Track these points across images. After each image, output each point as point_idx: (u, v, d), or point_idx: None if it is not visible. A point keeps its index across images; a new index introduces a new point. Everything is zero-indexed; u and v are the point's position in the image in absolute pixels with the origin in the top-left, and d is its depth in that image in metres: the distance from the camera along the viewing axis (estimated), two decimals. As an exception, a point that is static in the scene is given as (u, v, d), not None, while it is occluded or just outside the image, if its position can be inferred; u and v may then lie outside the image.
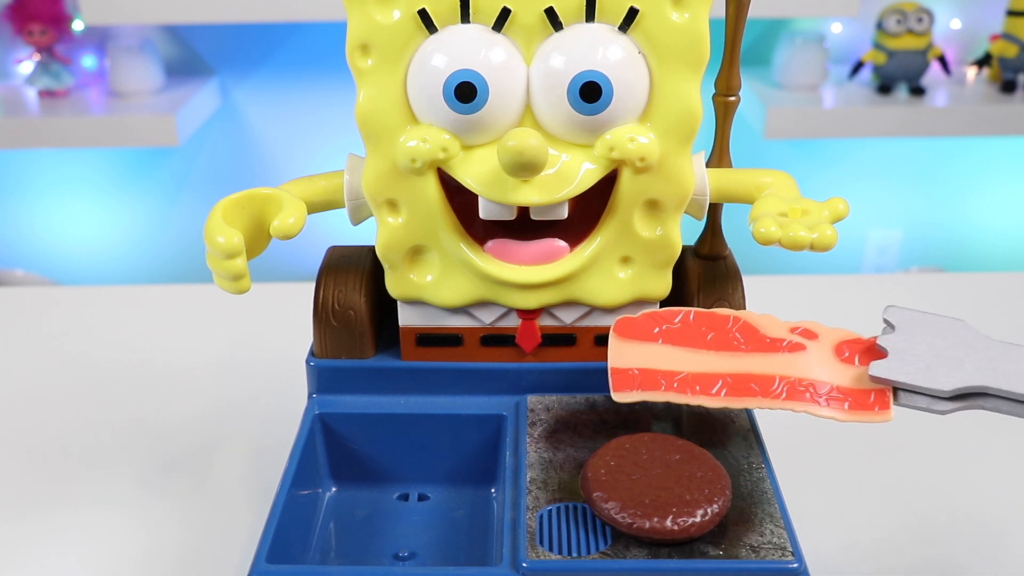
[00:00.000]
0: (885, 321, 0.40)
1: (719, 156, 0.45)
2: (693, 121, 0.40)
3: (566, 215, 0.41)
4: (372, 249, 0.45)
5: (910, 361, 0.38)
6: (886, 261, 1.58)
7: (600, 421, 0.43)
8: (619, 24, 0.39)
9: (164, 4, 1.19)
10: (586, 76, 0.38)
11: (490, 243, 0.42)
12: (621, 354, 0.40)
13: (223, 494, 0.51)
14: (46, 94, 1.34)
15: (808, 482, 0.51)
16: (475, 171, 0.40)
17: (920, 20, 1.30)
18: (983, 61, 1.38)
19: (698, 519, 0.36)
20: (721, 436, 0.42)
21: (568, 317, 0.44)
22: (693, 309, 0.41)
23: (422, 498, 0.46)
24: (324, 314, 0.44)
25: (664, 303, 0.45)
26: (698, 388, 0.38)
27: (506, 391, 0.45)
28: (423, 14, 0.39)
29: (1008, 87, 1.34)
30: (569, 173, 0.40)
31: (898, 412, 0.58)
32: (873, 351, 0.39)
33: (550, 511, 0.38)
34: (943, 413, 0.37)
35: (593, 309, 0.44)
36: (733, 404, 0.38)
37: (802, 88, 1.35)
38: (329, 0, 1.17)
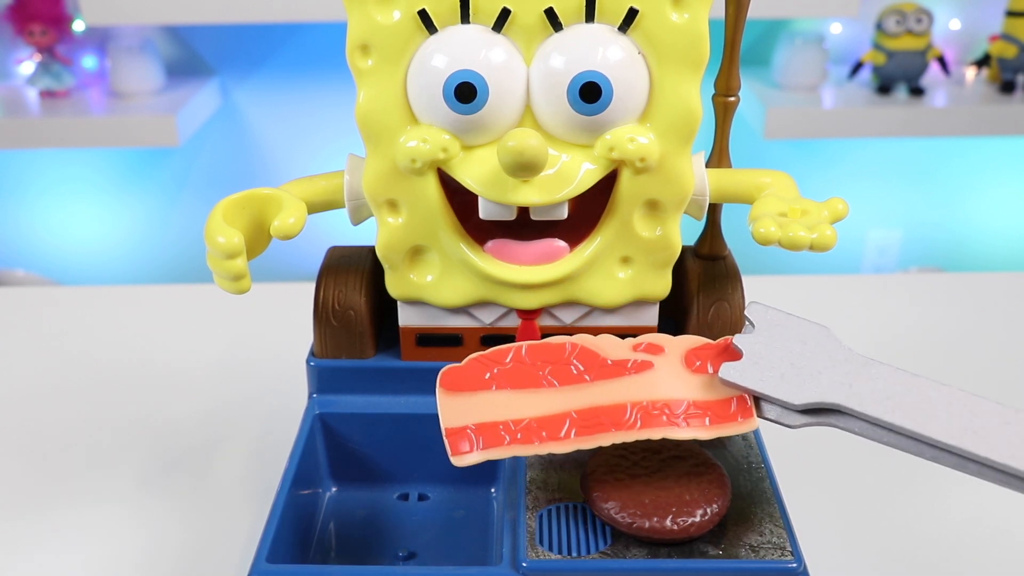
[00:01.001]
0: (747, 318, 0.38)
1: (719, 156, 0.45)
2: (693, 121, 0.40)
3: (566, 215, 0.41)
4: (372, 249, 0.45)
5: (764, 367, 0.35)
6: (886, 261, 1.58)
7: (600, 421, 0.43)
8: (619, 24, 0.39)
9: (164, 4, 1.19)
10: (586, 76, 0.38)
11: (490, 243, 0.42)
12: (452, 411, 0.36)
13: (223, 494, 0.51)
14: (47, 94, 1.34)
15: (808, 482, 0.51)
16: (475, 171, 0.40)
17: (919, 21, 1.30)
18: (982, 61, 1.38)
19: (698, 519, 0.36)
20: (721, 436, 0.42)
21: (568, 317, 0.44)
22: (524, 343, 0.38)
23: (422, 498, 0.46)
24: (324, 314, 0.45)
25: (664, 303, 0.45)
26: (544, 434, 0.36)
27: (506, 391, 0.45)
28: (423, 14, 0.39)
29: (1007, 87, 1.34)
30: (569, 173, 0.40)
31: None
32: (725, 354, 0.37)
33: (550, 511, 0.38)
34: (793, 427, 0.35)
35: (593, 309, 0.44)
36: (585, 444, 0.35)
37: (802, 88, 1.35)
38: (329, 0, 1.17)
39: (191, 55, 1.43)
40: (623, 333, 0.45)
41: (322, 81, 1.44)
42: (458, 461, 0.36)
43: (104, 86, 1.39)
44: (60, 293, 0.76)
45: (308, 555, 0.42)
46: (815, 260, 1.50)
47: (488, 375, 0.37)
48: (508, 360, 0.38)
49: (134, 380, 0.62)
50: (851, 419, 0.35)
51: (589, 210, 0.42)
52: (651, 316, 0.44)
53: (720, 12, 0.42)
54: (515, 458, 0.42)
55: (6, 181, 1.50)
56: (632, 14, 0.38)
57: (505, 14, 0.38)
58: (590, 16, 0.39)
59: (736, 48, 0.43)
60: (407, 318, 0.45)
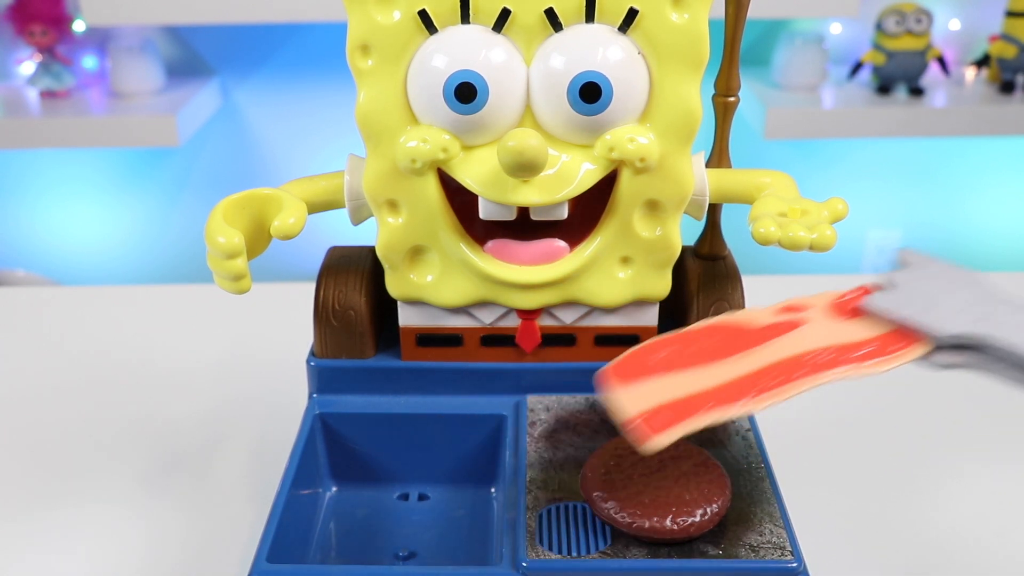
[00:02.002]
0: (899, 260, 0.38)
1: (719, 156, 0.45)
2: (693, 121, 0.40)
3: (566, 215, 0.41)
4: (372, 249, 0.45)
5: (911, 298, 0.35)
6: (885, 261, 1.58)
7: (600, 421, 0.43)
8: (619, 25, 0.39)
9: (165, 5, 1.19)
10: (586, 76, 0.38)
11: (490, 243, 0.42)
12: (633, 399, 0.35)
13: (223, 494, 0.51)
14: (47, 94, 1.34)
15: (808, 482, 0.51)
16: (475, 171, 0.40)
17: (919, 21, 1.30)
18: (982, 62, 1.38)
19: (697, 519, 0.36)
20: (721, 436, 0.42)
21: (568, 317, 0.44)
22: (669, 335, 0.38)
23: (422, 498, 0.46)
24: (324, 314, 0.45)
25: (664, 303, 0.45)
26: (735, 397, 0.34)
27: (506, 391, 0.45)
28: (423, 15, 0.39)
29: (1007, 87, 1.34)
30: (569, 173, 0.40)
31: (899, 413, 0.58)
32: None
33: (550, 511, 0.38)
34: (940, 367, 0.34)
35: (593, 309, 0.44)
36: (778, 398, 0.34)
37: (802, 88, 1.35)
38: (329, 0, 1.17)
39: (191, 55, 1.43)
40: (623, 333, 0.45)
41: (322, 81, 1.44)
42: (658, 442, 0.33)
43: (104, 86, 1.39)
44: (60, 293, 0.76)
45: (308, 555, 0.42)
46: (815, 260, 1.50)
47: (650, 364, 0.36)
48: (663, 352, 0.37)
49: (134, 380, 0.62)
50: (995, 360, 0.34)
51: (589, 210, 0.42)
52: (651, 316, 0.45)
53: (720, 12, 0.42)
54: (515, 458, 0.42)
55: (6, 181, 1.50)
56: (632, 14, 0.38)
57: (505, 14, 0.38)
58: (590, 16, 0.39)
59: (736, 48, 0.43)
60: (407, 318, 0.45)
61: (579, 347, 0.45)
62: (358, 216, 0.43)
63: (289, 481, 0.41)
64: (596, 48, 0.38)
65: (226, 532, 0.48)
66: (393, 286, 0.44)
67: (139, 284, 1.24)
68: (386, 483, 0.47)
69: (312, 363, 0.45)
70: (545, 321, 0.44)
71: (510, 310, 0.44)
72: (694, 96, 0.40)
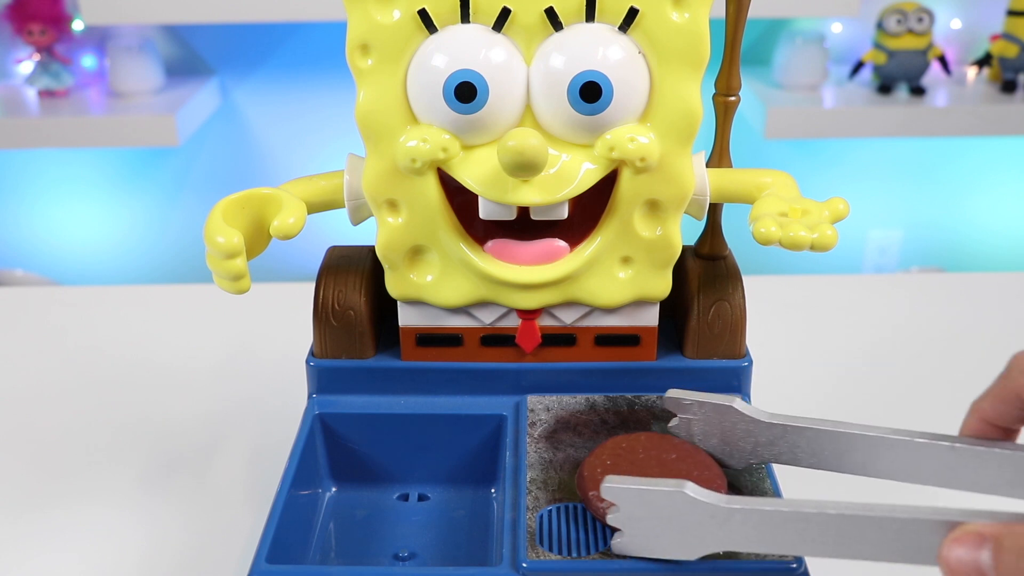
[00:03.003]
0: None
1: (719, 156, 0.45)
2: (693, 121, 0.40)
3: (566, 215, 0.41)
4: (372, 249, 0.45)
5: (643, 538, 0.35)
6: (886, 261, 1.58)
7: (600, 421, 0.43)
8: (619, 24, 0.39)
9: (164, 4, 1.19)
10: (586, 76, 0.38)
11: (490, 243, 0.42)
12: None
13: (223, 494, 0.51)
14: (46, 94, 1.34)
15: (808, 482, 0.51)
16: (475, 171, 0.40)
17: (920, 20, 1.30)
18: (983, 61, 1.38)
19: None
20: (721, 436, 0.42)
21: (568, 317, 0.44)
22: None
23: (422, 498, 0.46)
24: (324, 314, 0.44)
25: (664, 303, 0.45)
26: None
27: (506, 391, 0.45)
28: (423, 14, 0.39)
29: (1008, 87, 1.34)
30: (569, 173, 0.40)
31: (899, 413, 0.57)
32: None
33: (550, 511, 0.38)
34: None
35: (593, 309, 0.44)
36: None
37: (802, 88, 1.35)
38: (329, 0, 1.17)
39: (190, 55, 1.43)
40: (623, 333, 0.45)
41: (322, 81, 1.44)
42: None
43: (103, 86, 1.39)
44: (60, 293, 0.76)
45: (308, 555, 0.42)
46: (815, 260, 1.50)
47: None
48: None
49: (134, 380, 0.62)
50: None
51: (589, 210, 0.42)
52: (651, 316, 0.44)
53: (720, 11, 0.42)
54: (515, 458, 0.42)
55: (5, 181, 1.49)
56: (632, 14, 0.38)
57: (505, 14, 0.38)
58: (590, 16, 0.39)
59: (736, 48, 0.43)
60: (407, 318, 0.45)
61: (579, 347, 0.45)
62: (358, 216, 0.43)
63: (289, 481, 0.41)
64: (596, 47, 0.38)
65: (226, 532, 0.48)
66: (393, 286, 0.44)
67: (139, 284, 1.24)
68: (386, 483, 0.46)
69: (312, 363, 0.45)
70: (545, 321, 0.44)
71: (510, 310, 0.44)
72: (694, 96, 0.40)
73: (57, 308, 0.72)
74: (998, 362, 0.63)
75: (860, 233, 1.56)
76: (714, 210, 0.46)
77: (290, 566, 0.38)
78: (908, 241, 1.57)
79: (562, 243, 0.42)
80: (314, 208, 0.42)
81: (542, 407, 0.44)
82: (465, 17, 0.39)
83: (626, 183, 0.41)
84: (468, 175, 0.40)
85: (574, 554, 0.36)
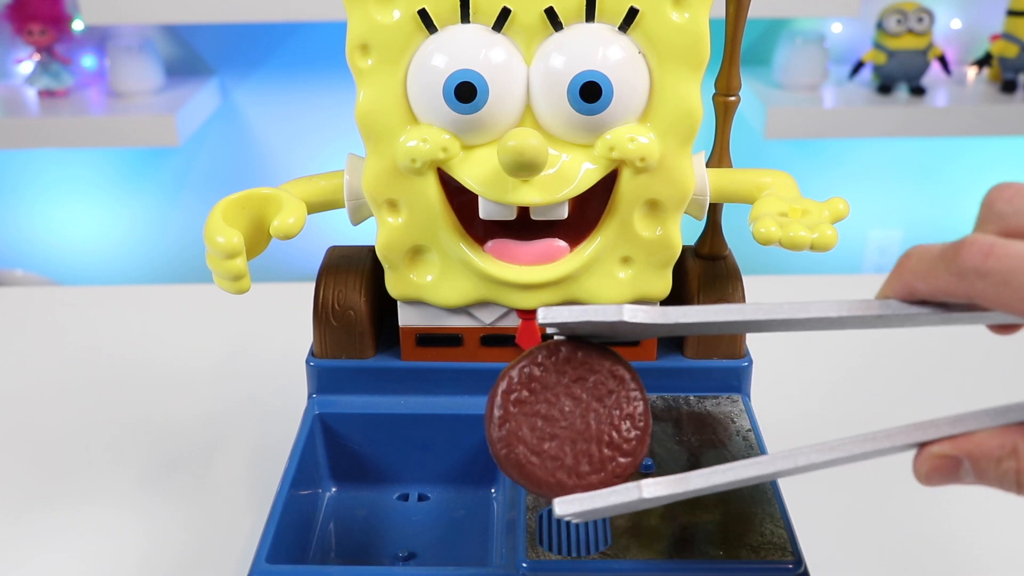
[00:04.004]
0: None
1: (719, 156, 0.45)
2: (693, 121, 0.40)
3: (566, 215, 0.41)
4: (372, 249, 0.45)
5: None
6: (886, 261, 1.58)
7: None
8: (619, 24, 0.39)
9: (164, 4, 1.19)
10: (586, 76, 0.38)
11: (490, 243, 0.42)
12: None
13: (223, 494, 0.51)
14: (46, 94, 1.34)
15: (808, 482, 0.51)
16: (475, 171, 0.40)
17: (920, 20, 1.30)
18: (983, 61, 1.38)
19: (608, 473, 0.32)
20: (722, 436, 0.42)
21: (568, 317, 0.44)
22: None
23: (422, 498, 0.46)
24: (324, 314, 0.44)
25: (664, 303, 0.45)
26: None
27: (506, 391, 0.45)
28: (423, 14, 0.39)
29: (1008, 87, 1.34)
30: (569, 173, 0.40)
31: (900, 413, 0.57)
32: None
33: (550, 511, 0.38)
34: None
35: (593, 309, 0.44)
36: None
37: (802, 88, 1.35)
38: (329, 0, 1.17)
39: (190, 55, 1.43)
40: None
41: (322, 81, 1.44)
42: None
43: (103, 86, 1.39)
44: (60, 293, 0.76)
45: (308, 555, 0.42)
46: (815, 260, 1.50)
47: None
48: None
49: (134, 380, 0.62)
50: None
51: (589, 210, 0.42)
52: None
53: (720, 11, 0.42)
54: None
55: (5, 181, 1.49)
56: (632, 14, 0.38)
57: (505, 14, 0.38)
58: (590, 16, 0.39)
59: (736, 47, 0.43)
60: (407, 318, 0.45)
61: (579, 347, 0.45)
62: (358, 216, 0.43)
63: (289, 481, 0.41)
64: (596, 47, 0.38)
65: (226, 532, 0.48)
66: (393, 286, 0.44)
67: (139, 284, 1.23)
68: (386, 483, 0.46)
69: (312, 363, 0.45)
70: (545, 321, 0.44)
71: (510, 310, 0.44)
72: (694, 96, 0.40)
73: (57, 308, 0.72)
74: (998, 361, 0.64)
75: (860, 233, 1.56)
76: (714, 210, 0.46)
77: (290, 566, 0.38)
78: (908, 241, 1.57)
79: (562, 243, 0.42)
80: (314, 208, 0.42)
81: (542, 407, 0.44)
82: (465, 17, 0.39)
83: (626, 183, 0.41)
84: (468, 175, 0.40)
85: (574, 554, 0.36)
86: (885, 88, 1.34)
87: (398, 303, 0.44)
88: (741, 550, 0.36)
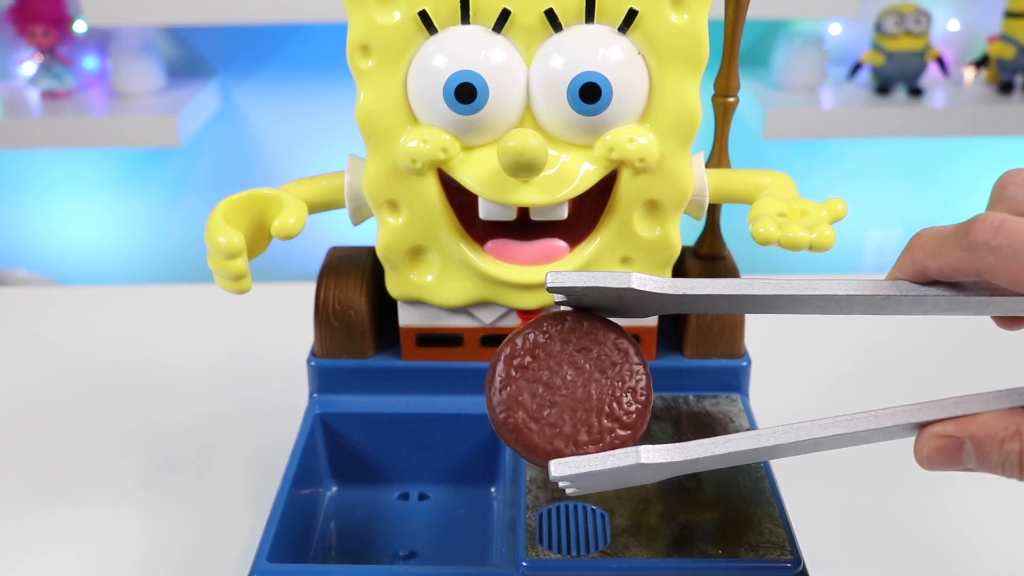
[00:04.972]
0: None
1: (718, 157, 0.45)
2: (692, 122, 0.40)
3: (566, 215, 0.41)
4: (372, 249, 0.45)
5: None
6: (885, 261, 1.58)
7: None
8: (619, 25, 0.39)
9: (165, 5, 1.19)
10: (586, 77, 0.38)
11: (490, 243, 0.42)
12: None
13: (223, 494, 0.51)
14: (48, 95, 1.34)
15: (808, 482, 0.51)
16: (475, 172, 0.40)
17: (918, 21, 1.30)
18: (981, 62, 1.38)
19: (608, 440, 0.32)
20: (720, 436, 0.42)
21: (568, 317, 0.44)
22: None
23: (422, 498, 0.46)
24: (325, 314, 0.45)
25: (663, 303, 0.45)
26: None
27: (506, 391, 0.45)
28: (423, 15, 0.39)
29: (1006, 88, 1.34)
30: (569, 174, 0.40)
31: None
32: None
33: (550, 510, 0.38)
34: None
35: (593, 309, 0.44)
36: None
37: (801, 89, 1.35)
38: (329, 1, 1.17)
39: (192, 56, 1.43)
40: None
41: (322, 81, 1.44)
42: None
43: (105, 87, 1.39)
44: (60, 293, 0.76)
45: (308, 555, 0.42)
46: (814, 260, 1.50)
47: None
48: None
49: (134, 380, 0.62)
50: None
51: (589, 210, 0.42)
52: (651, 317, 0.45)
53: (720, 12, 0.42)
54: (515, 458, 0.42)
55: (7, 181, 1.50)
56: (632, 15, 0.39)
57: (505, 15, 0.39)
58: (590, 17, 0.39)
59: (735, 48, 0.43)
60: (407, 318, 0.45)
61: (579, 347, 0.45)
62: (358, 216, 0.43)
63: (289, 481, 0.41)
64: (596, 48, 0.39)
65: (226, 532, 0.48)
66: (393, 286, 0.44)
67: (139, 284, 1.24)
68: (386, 483, 0.47)
69: (312, 363, 0.46)
70: (545, 321, 0.44)
71: (510, 310, 0.44)
72: (694, 96, 0.40)
73: (57, 308, 0.72)
74: (998, 361, 0.64)
75: (859, 233, 1.56)
76: (713, 210, 0.46)
77: (291, 565, 0.38)
78: (906, 241, 1.57)
79: (562, 243, 0.42)
80: (315, 208, 0.43)
81: (542, 407, 0.44)
82: (465, 18, 0.39)
83: (626, 183, 0.41)
84: (468, 175, 0.40)
85: (574, 553, 0.36)
86: (883, 89, 1.34)
87: (398, 303, 0.45)
88: (740, 549, 0.36)
